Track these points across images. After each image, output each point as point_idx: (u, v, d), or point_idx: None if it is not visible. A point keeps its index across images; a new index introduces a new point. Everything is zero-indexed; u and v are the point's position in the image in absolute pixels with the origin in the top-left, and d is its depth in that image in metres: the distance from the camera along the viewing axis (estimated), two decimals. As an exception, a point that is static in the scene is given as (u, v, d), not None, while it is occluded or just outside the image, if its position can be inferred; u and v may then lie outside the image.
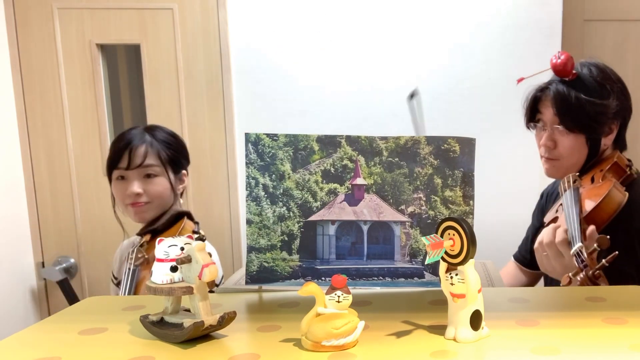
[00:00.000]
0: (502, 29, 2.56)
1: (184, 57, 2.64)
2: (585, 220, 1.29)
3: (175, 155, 1.62)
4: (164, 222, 1.58)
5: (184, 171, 1.66)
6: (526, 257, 1.66)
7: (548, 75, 1.48)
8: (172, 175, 1.60)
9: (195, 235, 1.57)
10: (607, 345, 0.76)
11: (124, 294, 1.48)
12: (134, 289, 1.49)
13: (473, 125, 2.55)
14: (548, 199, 1.66)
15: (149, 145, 1.57)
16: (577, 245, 1.21)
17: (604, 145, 1.47)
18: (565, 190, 1.38)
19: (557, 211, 1.43)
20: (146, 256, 1.52)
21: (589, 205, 1.32)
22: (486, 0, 2.56)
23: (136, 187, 1.54)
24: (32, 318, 2.68)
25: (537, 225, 1.65)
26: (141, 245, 1.54)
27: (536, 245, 1.32)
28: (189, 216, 1.63)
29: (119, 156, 1.55)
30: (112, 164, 1.57)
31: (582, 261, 1.18)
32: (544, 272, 1.32)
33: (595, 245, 1.20)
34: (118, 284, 1.59)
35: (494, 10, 2.56)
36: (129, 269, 1.52)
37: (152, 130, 1.62)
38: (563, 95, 1.41)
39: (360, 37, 2.60)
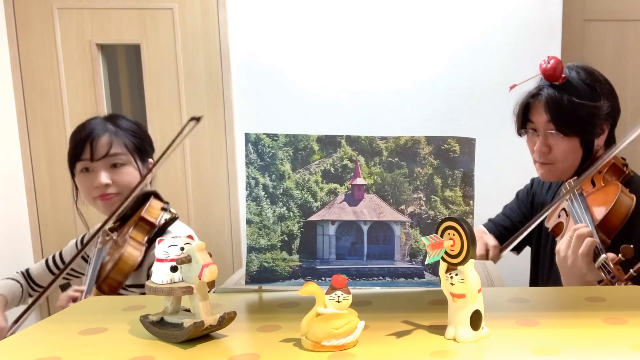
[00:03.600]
0: (502, 29, 2.56)
1: (184, 57, 2.64)
2: (599, 227, 1.29)
3: (141, 143, 1.55)
4: (131, 205, 1.50)
5: (150, 159, 1.59)
6: (500, 232, 1.67)
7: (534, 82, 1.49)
8: (139, 164, 1.54)
9: (168, 215, 1.50)
10: (607, 345, 0.76)
11: (89, 274, 1.44)
12: (98, 270, 1.44)
13: (473, 125, 2.55)
14: (539, 188, 1.67)
15: (113, 134, 1.49)
16: (602, 257, 1.21)
17: (597, 145, 1.47)
18: (569, 198, 1.38)
19: (559, 216, 1.42)
20: (114, 238, 1.47)
21: (599, 212, 1.32)
22: (486, 1, 2.56)
23: (104, 177, 1.47)
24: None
25: (526, 214, 1.65)
26: (110, 229, 1.48)
27: (562, 245, 1.28)
28: (157, 195, 1.55)
29: (81, 147, 1.47)
30: (75, 156, 1.49)
31: (609, 272, 1.19)
32: (556, 251, 1.30)
33: (619, 255, 1.20)
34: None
35: (494, 11, 2.56)
36: (97, 249, 1.47)
37: (114, 119, 1.54)
38: (555, 100, 1.41)
39: (360, 38, 2.60)
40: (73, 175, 1.54)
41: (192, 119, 1.40)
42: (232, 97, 2.65)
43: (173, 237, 0.83)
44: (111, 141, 1.48)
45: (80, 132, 1.50)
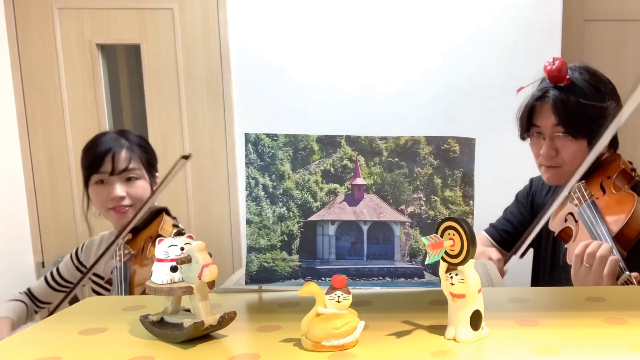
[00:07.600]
0: (502, 29, 2.56)
1: (184, 57, 2.64)
2: (616, 239, 1.27)
3: (150, 158, 1.64)
4: (143, 219, 1.58)
5: (157, 173, 1.68)
6: (502, 237, 1.64)
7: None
8: (150, 177, 1.62)
9: (175, 230, 1.55)
10: (607, 345, 0.76)
11: (119, 291, 1.49)
12: (128, 284, 1.50)
13: (473, 125, 2.55)
14: (539, 189, 1.65)
15: (130, 150, 1.58)
16: (625, 274, 1.20)
17: (603, 147, 1.46)
18: (579, 204, 1.36)
19: (566, 220, 1.39)
20: (132, 252, 1.53)
21: (615, 223, 1.29)
22: (486, 1, 2.56)
23: (119, 190, 1.55)
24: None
25: (527, 216, 1.63)
26: (126, 242, 1.55)
27: (577, 252, 1.26)
28: (167, 212, 1.64)
29: (101, 161, 1.55)
30: (92, 169, 1.56)
31: None
32: (573, 280, 1.28)
33: None
34: (107, 282, 1.59)
35: (494, 11, 2.56)
36: (118, 266, 1.52)
37: (125, 134, 1.62)
38: (563, 101, 1.38)
39: (361, 37, 2.60)
40: (86, 186, 1.60)
41: (183, 157, 1.45)
42: (232, 97, 2.65)
43: (172, 237, 0.83)
44: (129, 156, 1.57)
45: (98, 146, 1.56)
